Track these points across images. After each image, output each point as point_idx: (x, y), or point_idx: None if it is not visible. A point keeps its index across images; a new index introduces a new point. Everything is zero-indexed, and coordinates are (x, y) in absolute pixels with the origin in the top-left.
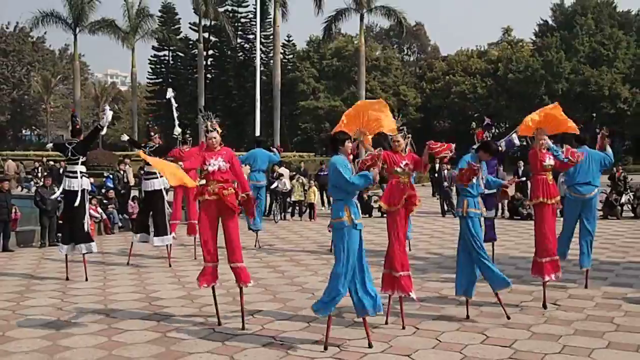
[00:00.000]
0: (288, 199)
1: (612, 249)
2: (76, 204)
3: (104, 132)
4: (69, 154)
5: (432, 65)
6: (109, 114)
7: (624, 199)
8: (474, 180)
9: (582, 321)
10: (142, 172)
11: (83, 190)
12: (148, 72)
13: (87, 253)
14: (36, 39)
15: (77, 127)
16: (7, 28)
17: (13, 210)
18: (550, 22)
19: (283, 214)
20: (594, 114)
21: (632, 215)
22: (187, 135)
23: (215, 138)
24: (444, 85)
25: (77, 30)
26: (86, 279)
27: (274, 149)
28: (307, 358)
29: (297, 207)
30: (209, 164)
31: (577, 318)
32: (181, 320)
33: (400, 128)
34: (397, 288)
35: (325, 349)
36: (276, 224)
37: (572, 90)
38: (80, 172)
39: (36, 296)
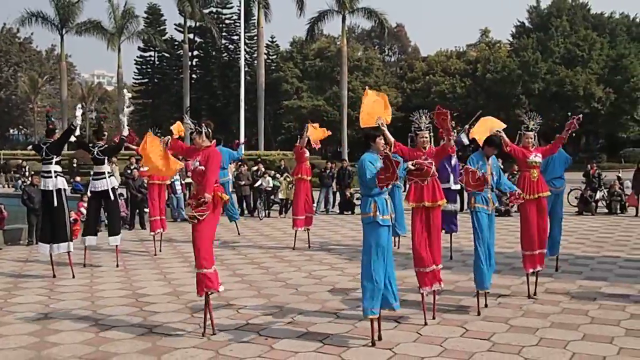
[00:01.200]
0: (272, 197)
1: (587, 244)
2: (55, 204)
3: (77, 132)
4: (44, 153)
5: (413, 65)
6: (79, 114)
7: (598, 195)
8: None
9: (558, 314)
10: (92, 172)
11: (59, 190)
12: (134, 72)
13: (67, 252)
14: (23, 40)
15: (51, 127)
16: None
17: (0, 209)
18: (526, 23)
19: (267, 211)
20: (569, 113)
21: (606, 211)
22: (159, 134)
23: (195, 138)
24: (424, 85)
25: (64, 31)
26: (73, 277)
27: (238, 144)
28: (290, 352)
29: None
30: (191, 163)
31: (553, 311)
32: (167, 316)
33: (428, 124)
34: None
35: (373, 344)
36: (260, 221)
37: (548, 89)
38: (55, 172)
39: (24, 293)
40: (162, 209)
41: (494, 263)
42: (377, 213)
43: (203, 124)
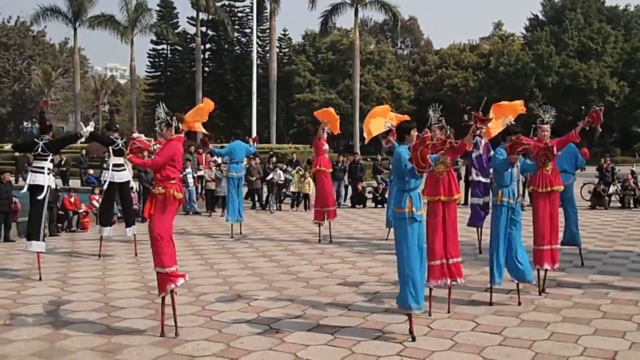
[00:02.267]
0: (284, 190)
1: (599, 238)
2: (40, 197)
3: (82, 139)
4: (39, 149)
5: (425, 58)
6: (89, 129)
7: (611, 189)
8: (509, 170)
9: (570, 309)
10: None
11: (48, 187)
12: (147, 65)
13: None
14: (37, 33)
15: (48, 123)
16: (8, 22)
17: (14, 202)
18: (540, 16)
19: (278, 204)
20: (583, 107)
21: (620, 205)
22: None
23: (163, 129)
24: (437, 78)
25: (77, 24)
26: (40, 279)
27: (250, 140)
28: (301, 345)
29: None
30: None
31: (565, 305)
32: (179, 308)
33: (439, 119)
34: (437, 276)
35: (414, 339)
36: (272, 214)
37: (562, 83)
38: (48, 169)
39: (36, 285)
40: None
41: (523, 257)
42: (413, 209)
43: (174, 117)
